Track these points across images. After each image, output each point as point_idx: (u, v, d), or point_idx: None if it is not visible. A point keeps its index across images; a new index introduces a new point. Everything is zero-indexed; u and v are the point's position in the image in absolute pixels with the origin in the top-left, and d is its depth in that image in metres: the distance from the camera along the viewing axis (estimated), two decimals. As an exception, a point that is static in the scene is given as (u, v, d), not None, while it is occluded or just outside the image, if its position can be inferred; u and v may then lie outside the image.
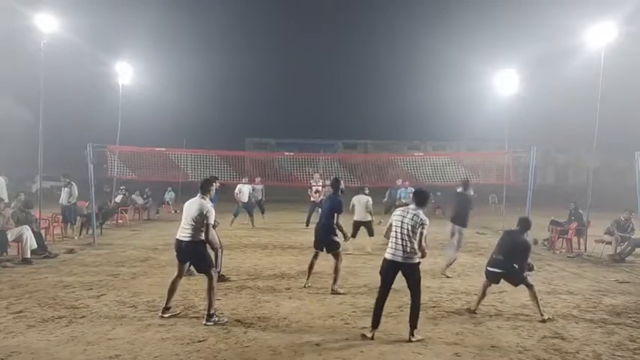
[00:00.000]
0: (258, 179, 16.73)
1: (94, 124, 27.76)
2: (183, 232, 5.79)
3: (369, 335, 5.24)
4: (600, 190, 14.88)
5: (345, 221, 7.64)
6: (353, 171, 18.90)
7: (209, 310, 5.67)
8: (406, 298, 6.89)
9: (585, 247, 11.73)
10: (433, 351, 4.97)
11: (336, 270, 7.23)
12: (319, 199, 15.31)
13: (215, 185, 6.36)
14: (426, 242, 5.23)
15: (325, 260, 7.70)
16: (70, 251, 10.42)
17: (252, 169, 18.49)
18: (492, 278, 6.38)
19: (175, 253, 5.98)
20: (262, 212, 16.82)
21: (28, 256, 9.10)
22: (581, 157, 40.81)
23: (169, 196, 22.11)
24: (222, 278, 7.65)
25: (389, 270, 5.33)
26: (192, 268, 6.40)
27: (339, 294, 7.06)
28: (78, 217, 13.27)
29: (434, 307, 6.58)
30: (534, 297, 6.11)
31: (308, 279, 7.52)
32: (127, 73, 17.88)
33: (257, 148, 43.41)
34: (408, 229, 5.20)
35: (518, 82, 17.02)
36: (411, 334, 5.22)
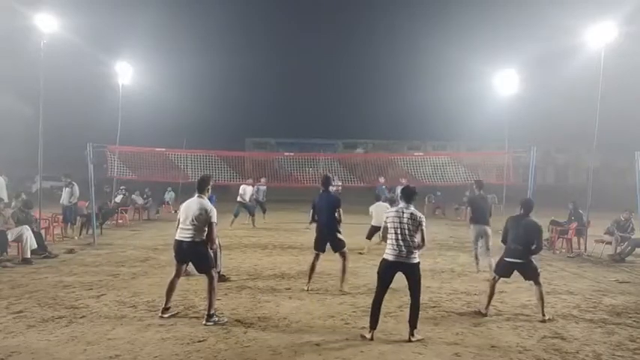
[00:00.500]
0: (263, 180, 16.82)
1: (94, 124, 27.78)
2: (185, 233, 5.74)
3: (368, 336, 5.22)
4: (600, 190, 14.88)
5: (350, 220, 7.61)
6: (353, 171, 18.92)
7: (209, 310, 5.66)
8: (406, 298, 6.89)
9: (585, 247, 11.73)
10: (433, 351, 4.97)
11: (344, 270, 7.23)
12: None
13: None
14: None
15: (325, 260, 7.70)
16: (70, 251, 10.42)
17: (252, 169, 18.52)
18: (507, 271, 6.26)
19: (174, 254, 5.94)
20: (263, 212, 16.85)
21: (28, 256, 9.10)
22: (581, 157, 40.79)
23: (169, 196, 22.11)
24: (222, 278, 7.64)
25: (388, 270, 5.31)
26: (189, 268, 6.42)
27: (348, 294, 7.05)
28: (78, 217, 13.27)
29: (434, 307, 6.58)
30: (541, 296, 6.08)
31: (309, 282, 7.42)
32: (127, 73, 17.90)
33: (257, 148, 43.40)
34: (408, 229, 5.20)
35: (518, 82, 17.05)
36: (411, 333, 5.21)
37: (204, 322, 5.60)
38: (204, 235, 5.73)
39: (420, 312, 6.29)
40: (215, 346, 4.98)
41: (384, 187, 16.73)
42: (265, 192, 17.18)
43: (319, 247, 7.36)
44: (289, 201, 24.41)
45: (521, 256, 6.09)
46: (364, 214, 13.27)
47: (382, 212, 10.49)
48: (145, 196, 19.39)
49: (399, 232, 5.23)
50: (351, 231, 9.82)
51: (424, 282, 7.91)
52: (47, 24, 12.22)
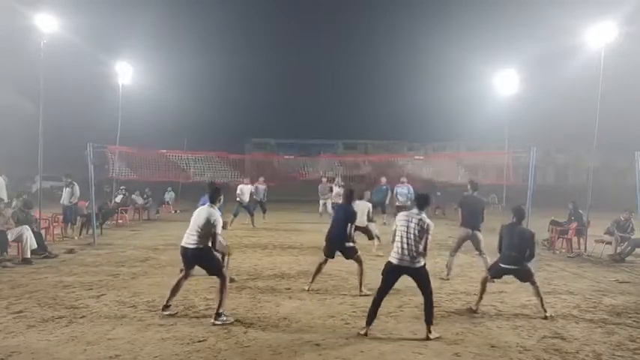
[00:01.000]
0: (261, 179, 16.74)
1: (94, 124, 27.79)
2: (189, 239, 5.82)
3: (362, 332, 5.30)
4: (600, 190, 14.87)
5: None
6: (352, 171, 18.90)
7: (218, 308, 5.69)
8: (406, 298, 6.91)
9: (585, 247, 11.73)
10: (433, 351, 4.97)
11: (361, 273, 7.19)
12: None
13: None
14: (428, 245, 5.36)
15: (329, 263, 7.68)
16: (70, 251, 10.42)
17: (252, 169, 18.54)
18: (500, 274, 6.42)
19: (181, 258, 6.00)
20: (263, 212, 16.78)
21: (28, 256, 9.10)
22: (581, 157, 40.75)
23: (169, 196, 22.12)
24: (230, 280, 7.68)
25: (392, 273, 5.38)
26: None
27: (367, 295, 6.91)
28: (78, 217, 13.27)
29: (434, 307, 6.56)
30: (538, 293, 6.19)
31: (312, 282, 7.38)
32: (127, 73, 17.91)
33: (257, 149, 43.36)
34: (414, 234, 5.28)
35: (518, 82, 17.07)
36: (429, 331, 5.30)
37: (212, 321, 5.62)
38: (209, 242, 5.81)
39: (420, 312, 6.30)
40: (215, 346, 4.98)
41: (384, 187, 16.74)
42: (265, 191, 17.09)
43: (328, 253, 7.34)
44: (289, 201, 24.41)
45: (515, 263, 6.23)
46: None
47: (363, 212, 10.19)
48: (145, 196, 19.39)
49: (405, 236, 5.32)
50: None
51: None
52: (47, 24, 12.23)
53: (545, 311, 6.11)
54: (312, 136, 43.93)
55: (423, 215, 5.43)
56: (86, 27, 21.99)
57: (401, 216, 5.55)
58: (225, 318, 5.70)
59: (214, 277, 5.91)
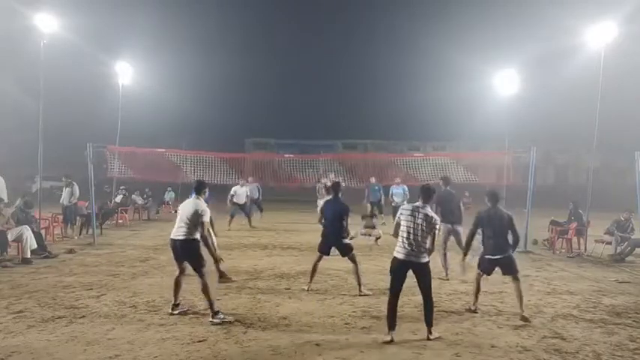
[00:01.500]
0: (250, 179, 16.60)
1: (94, 124, 27.78)
2: (178, 232, 5.91)
3: (388, 339, 5.13)
4: (600, 190, 14.88)
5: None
6: (352, 171, 18.93)
7: (211, 307, 5.71)
8: (406, 298, 6.88)
9: (585, 247, 11.73)
10: (433, 351, 4.97)
11: (357, 273, 7.15)
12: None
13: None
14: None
15: (325, 261, 7.69)
16: (70, 251, 10.42)
17: (253, 169, 18.52)
18: (490, 268, 6.24)
19: (172, 253, 6.07)
20: (260, 211, 16.65)
21: (28, 256, 9.11)
22: (581, 157, 40.76)
23: (169, 196, 22.11)
24: (226, 279, 7.77)
25: (400, 269, 5.32)
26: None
27: (366, 295, 7.00)
28: (78, 217, 13.27)
29: (434, 307, 6.56)
30: (519, 292, 6.04)
31: (310, 282, 7.38)
32: (127, 73, 17.89)
33: (257, 149, 43.35)
34: (422, 229, 5.22)
35: (518, 82, 17.03)
36: (429, 332, 5.26)
37: (210, 320, 5.65)
38: (197, 234, 5.86)
39: (420, 312, 6.29)
40: (215, 346, 4.98)
41: (376, 187, 16.77)
42: (260, 189, 16.83)
43: (323, 250, 7.29)
44: (289, 201, 24.41)
45: (500, 251, 6.09)
46: (358, 213, 13.36)
47: None
48: (144, 196, 19.39)
49: (411, 231, 5.24)
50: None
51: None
52: (47, 24, 12.22)
53: (523, 311, 5.95)
54: (312, 136, 43.92)
55: (428, 209, 5.35)
56: (86, 27, 22.02)
57: (406, 210, 5.42)
58: (222, 316, 5.71)
59: (197, 275, 5.88)
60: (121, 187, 17.68)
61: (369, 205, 16.57)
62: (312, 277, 7.39)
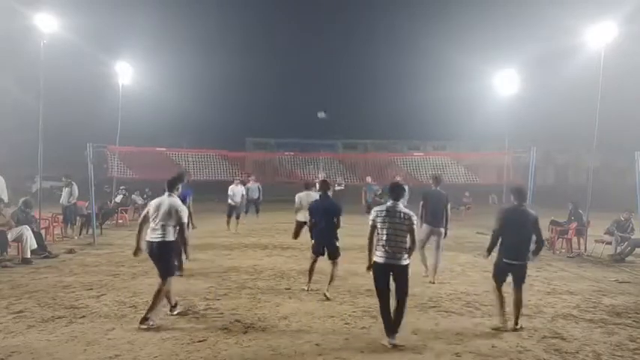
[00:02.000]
0: (252, 178, 16.45)
1: (94, 124, 27.76)
2: (154, 233, 5.64)
3: (388, 344, 4.99)
4: (600, 190, 14.88)
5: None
6: (352, 170, 18.94)
7: (148, 312, 5.49)
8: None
9: (585, 247, 11.73)
10: (433, 351, 4.97)
11: (333, 276, 6.99)
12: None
13: (185, 180, 6.22)
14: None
15: (325, 260, 7.68)
16: (70, 251, 10.42)
17: (254, 168, 18.51)
18: (505, 275, 5.67)
19: (149, 256, 5.80)
20: (257, 212, 16.31)
21: (28, 256, 9.11)
22: (581, 157, 40.73)
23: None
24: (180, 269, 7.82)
25: (383, 273, 5.11)
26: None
27: (329, 300, 6.78)
28: (78, 217, 13.27)
29: (434, 307, 6.58)
30: (521, 301, 5.64)
31: (309, 282, 7.34)
32: (127, 73, 17.89)
33: (257, 148, 43.34)
34: (401, 229, 5.02)
35: (518, 82, 17.04)
36: (392, 338, 5.01)
37: (138, 325, 5.44)
38: (174, 235, 5.64)
39: (420, 312, 6.32)
40: (215, 346, 4.98)
41: (375, 187, 16.76)
42: (260, 190, 16.65)
43: (318, 251, 7.13)
44: (288, 201, 24.39)
45: (519, 257, 5.55)
46: (358, 214, 13.34)
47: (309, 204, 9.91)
48: (144, 196, 19.38)
49: (391, 232, 5.02)
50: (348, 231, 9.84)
51: (425, 282, 7.95)
52: (47, 24, 12.22)
53: (517, 324, 5.58)
54: (312, 136, 43.89)
55: (402, 207, 5.12)
56: (86, 27, 22.00)
57: (379, 212, 5.13)
58: (152, 322, 5.48)
59: (161, 278, 5.65)
60: (121, 187, 17.68)
61: (366, 206, 16.53)
62: (310, 277, 7.31)
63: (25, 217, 9.88)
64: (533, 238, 5.62)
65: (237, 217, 14.47)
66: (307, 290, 7.22)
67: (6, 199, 10.89)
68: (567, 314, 6.34)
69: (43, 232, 10.82)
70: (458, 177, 16.58)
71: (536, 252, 5.58)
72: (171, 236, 5.65)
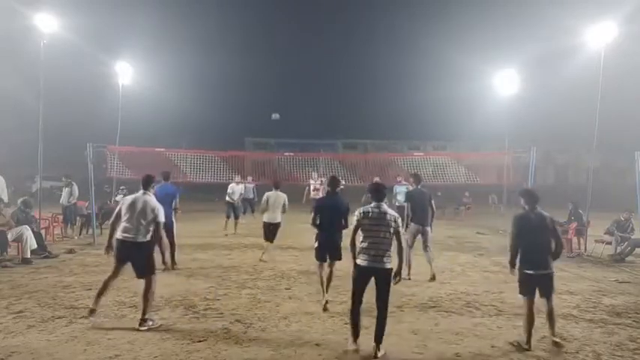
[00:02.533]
0: (249, 178, 16.46)
1: (94, 124, 27.76)
2: (128, 232, 5.51)
3: (353, 348, 4.82)
4: (600, 190, 14.89)
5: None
6: (353, 170, 18.92)
7: (143, 314, 5.41)
8: (405, 299, 6.91)
9: (585, 247, 11.73)
10: (433, 351, 4.97)
11: (331, 277, 6.61)
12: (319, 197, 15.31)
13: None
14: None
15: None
16: (70, 251, 10.42)
17: (253, 168, 18.49)
18: (533, 288, 5.08)
19: (115, 253, 5.66)
20: (252, 212, 16.10)
21: (28, 256, 9.10)
22: (581, 157, 40.76)
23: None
24: (173, 266, 8.31)
25: (365, 277, 4.86)
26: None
27: (327, 310, 6.33)
28: (78, 217, 13.27)
29: (434, 307, 6.58)
30: (553, 313, 5.12)
31: (325, 294, 6.50)
32: (127, 73, 17.89)
33: (257, 148, 43.35)
34: (389, 232, 4.81)
35: (518, 82, 17.04)
36: (377, 349, 4.74)
37: (137, 327, 5.34)
38: (149, 235, 5.53)
39: (420, 312, 6.32)
40: (215, 346, 4.98)
41: (402, 187, 16.67)
42: (255, 190, 16.56)
43: (323, 257, 6.58)
44: (288, 200, 24.39)
45: (545, 266, 5.03)
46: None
47: (277, 204, 9.44)
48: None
49: (377, 235, 4.80)
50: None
51: (424, 282, 7.96)
52: (47, 24, 12.22)
53: (555, 336, 5.08)
54: (312, 136, 43.90)
55: (385, 207, 4.92)
56: (86, 27, 22.00)
57: (363, 213, 4.88)
58: (151, 322, 5.42)
59: (142, 279, 5.56)
60: (121, 187, 17.65)
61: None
62: (324, 288, 6.56)
63: (24, 217, 9.88)
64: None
65: (237, 218, 14.45)
66: (325, 304, 6.31)
67: (6, 199, 10.89)
68: (567, 314, 6.34)
69: (43, 232, 10.82)
70: (458, 177, 16.57)
71: (555, 257, 5.12)
72: (145, 236, 5.53)
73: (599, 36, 11.74)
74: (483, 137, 32.63)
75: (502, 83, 17.44)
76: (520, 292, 5.18)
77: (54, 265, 8.98)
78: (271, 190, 9.75)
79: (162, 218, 5.56)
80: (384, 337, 4.82)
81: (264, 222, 9.55)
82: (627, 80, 23.55)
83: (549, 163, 44.80)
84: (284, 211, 9.58)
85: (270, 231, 9.54)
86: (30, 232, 9.33)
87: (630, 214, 11.26)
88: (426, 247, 8.37)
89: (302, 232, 14.64)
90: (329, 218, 6.48)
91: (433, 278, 8.12)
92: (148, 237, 5.55)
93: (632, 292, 7.70)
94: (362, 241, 4.86)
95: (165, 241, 8.18)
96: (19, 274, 8.15)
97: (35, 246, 9.37)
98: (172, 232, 8.73)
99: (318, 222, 6.51)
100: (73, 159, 22.09)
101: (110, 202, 16.59)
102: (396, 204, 15.57)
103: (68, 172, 13.61)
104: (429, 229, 8.35)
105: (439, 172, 16.39)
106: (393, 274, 4.88)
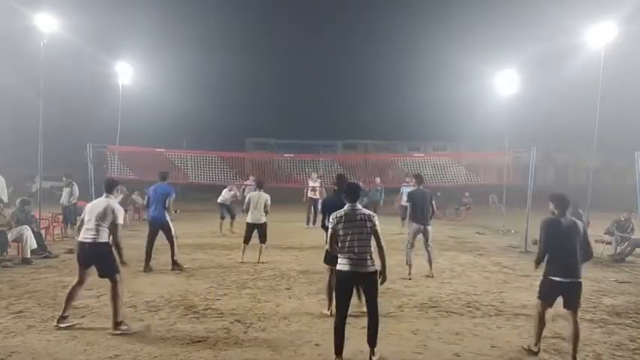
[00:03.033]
0: (251, 178, 16.40)
1: (94, 124, 27.77)
2: (87, 234, 5.48)
3: None
4: (600, 190, 14.88)
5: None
6: (353, 171, 18.92)
7: (116, 317, 5.29)
8: (405, 299, 6.91)
9: (585, 247, 11.71)
10: (433, 351, 4.97)
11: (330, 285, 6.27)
12: (316, 197, 15.37)
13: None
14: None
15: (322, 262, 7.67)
16: (70, 251, 10.39)
17: (253, 169, 18.50)
18: (554, 295, 4.91)
19: (77, 256, 5.64)
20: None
21: (28, 256, 9.11)
22: (581, 157, 40.80)
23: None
24: (178, 267, 8.31)
25: (349, 283, 4.63)
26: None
27: (333, 315, 6.28)
28: (78, 217, 13.26)
29: (434, 307, 6.58)
30: (578, 330, 4.84)
31: (331, 305, 6.03)
32: (127, 73, 17.88)
33: (257, 149, 43.38)
34: (366, 233, 4.57)
35: (518, 82, 17.03)
36: (372, 353, 4.63)
37: (112, 332, 5.22)
38: (108, 236, 5.49)
39: (420, 312, 6.32)
40: (215, 346, 4.98)
41: (379, 188, 16.73)
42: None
43: (334, 261, 6.14)
44: (288, 201, 24.38)
45: (572, 273, 4.79)
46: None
47: (259, 204, 9.40)
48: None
49: (355, 238, 4.53)
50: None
51: (424, 282, 7.96)
52: (47, 24, 12.20)
53: (576, 352, 4.74)
54: (312, 136, 43.95)
55: (361, 208, 4.71)
56: (86, 27, 21.98)
57: (338, 217, 4.64)
58: (126, 327, 5.30)
59: (108, 279, 5.48)
60: (122, 187, 17.66)
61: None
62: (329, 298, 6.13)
63: (24, 217, 9.88)
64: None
65: (232, 218, 14.38)
66: (330, 315, 5.87)
67: (6, 199, 10.89)
68: (567, 314, 6.32)
69: (43, 232, 10.82)
70: (458, 177, 16.58)
71: (582, 262, 4.91)
72: (104, 237, 5.48)
73: (599, 36, 11.72)
74: (483, 137, 32.62)
75: (502, 83, 17.40)
76: (539, 297, 5.05)
77: (54, 265, 8.98)
78: (254, 191, 9.85)
79: (120, 221, 5.54)
80: (378, 339, 4.68)
81: (248, 223, 9.61)
82: (627, 80, 23.52)
83: (549, 163, 44.83)
84: (266, 211, 9.57)
85: (258, 232, 9.55)
86: (30, 232, 9.33)
87: (630, 214, 11.26)
88: (427, 246, 8.49)
89: (302, 232, 14.66)
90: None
91: (431, 276, 8.32)
92: (107, 238, 5.51)
93: (632, 292, 7.70)
94: (340, 246, 4.61)
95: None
96: (19, 274, 8.15)
97: (35, 246, 9.37)
98: (170, 232, 8.71)
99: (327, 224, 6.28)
100: (73, 159, 22.07)
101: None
102: (402, 203, 15.60)
103: (68, 172, 13.61)
104: (430, 228, 8.50)
105: (439, 173, 16.41)
106: (378, 275, 4.64)
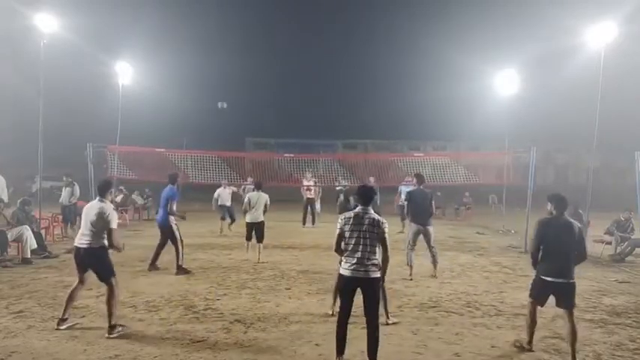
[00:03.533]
0: (250, 179, 16.39)
1: (94, 124, 27.76)
2: (82, 239, 5.42)
3: None
4: (600, 190, 14.87)
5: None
6: (352, 171, 18.94)
7: (110, 320, 5.24)
8: (405, 299, 6.91)
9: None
10: (433, 351, 4.97)
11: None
12: (312, 197, 15.40)
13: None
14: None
15: (324, 260, 7.70)
16: (70, 251, 10.38)
17: (252, 169, 18.50)
18: (545, 294, 4.97)
19: (74, 260, 5.59)
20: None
21: (28, 256, 9.11)
22: (581, 157, 40.79)
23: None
24: (184, 271, 8.15)
25: (350, 288, 4.54)
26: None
27: (334, 315, 6.07)
28: (78, 217, 13.26)
29: (434, 307, 6.58)
30: (575, 331, 4.83)
31: (335, 304, 5.98)
32: (127, 73, 17.87)
33: (257, 148, 43.39)
34: (370, 237, 4.45)
35: (518, 82, 17.02)
36: None
37: (107, 335, 5.16)
38: (104, 240, 5.43)
39: (420, 312, 6.32)
40: (215, 346, 4.98)
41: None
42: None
43: None
44: (288, 201, 24.39)
45: (564, 274, 4.81)
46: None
47: (259, 204, 9.54)
48: (144, 196, 19.38)
49: (360, 242, 4.43)
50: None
51: (424, 282, 7.96)
52: (47, 24, 12.20)
53: (575, 352, 4.77)
54: (312, 135, 43.93)
55: (372, 212, 4.57)
56: (86, 27, 21.97)
57: (347, 218, 4.54)
58: (120, 329, 5.26)
59: (104, 282, 5.42)
60: (121, 187, 17.67)
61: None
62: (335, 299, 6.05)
63: (25, 217, 9.89)
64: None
65: (232, 221, 14.32)
66: (332, 314, 5.94)
67: (6, 199, 10.89)
68: (563, 313, 6.32)
69: (43, 232, 10.83)
70: (458, 177, 16.58)
71: (575, 263, 4.90)
72: (100, 242, 5.41)
73: (599, 36, 11.72)
74: (483, 137, 32.62)
75: (502, 83, 17.40)
76: (530, 295, 5.10)
77: (54, 265, 8.98)
78: (253, 192, 9.97)
79: (114, 225, 5.43)
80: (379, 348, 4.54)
81: (247, 222, 9.80)
82: (627, 80, 23.52)
83: (549, 163, 44.83)
84: (265, 210, 9.79)
85: (255, 231, 9.71)
86: (30, 232, 9.34)
87: (630, 214, 11.26)
88: (430, 247, 8.38)
89: (302, 232, 14.66)
90: None
91: (434, 276, 8.28)
92: (103, 242, 5.43)
93: (632, 292, 7.70)
94: (344, 248, 4.53)
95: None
96: (19, 274, 8.16)
97: (35, 246, 9.37)
98: (173, 236, 8.50)
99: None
100: (73, 159, 22.05)
101: (110, 202, 16.59)
102: (400, 203, 15.59)
103: (69, 172, 13.61)
104: (430, 228, 8.38)
105: (439, 173, 16.40)
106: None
